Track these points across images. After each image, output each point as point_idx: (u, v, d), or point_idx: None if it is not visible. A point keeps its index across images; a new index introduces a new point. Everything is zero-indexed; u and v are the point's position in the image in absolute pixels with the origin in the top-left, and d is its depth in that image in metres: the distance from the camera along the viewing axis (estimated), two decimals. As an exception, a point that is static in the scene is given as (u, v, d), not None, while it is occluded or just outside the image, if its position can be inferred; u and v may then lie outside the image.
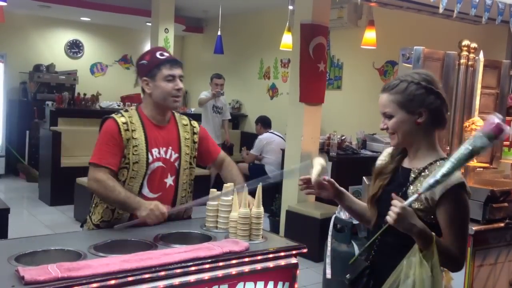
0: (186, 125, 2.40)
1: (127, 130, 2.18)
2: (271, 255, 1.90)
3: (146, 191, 2.20)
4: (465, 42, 3.37)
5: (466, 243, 1.66)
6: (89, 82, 9.09)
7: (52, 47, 9.01)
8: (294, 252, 1.96)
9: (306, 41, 4.69)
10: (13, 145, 8.06)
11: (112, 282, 1.53)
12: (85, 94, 7.79)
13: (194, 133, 2.41)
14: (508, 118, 3.78)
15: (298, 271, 1.96)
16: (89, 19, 8.81)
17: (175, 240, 1.97)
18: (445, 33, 5.17)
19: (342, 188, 1.88)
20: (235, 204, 2.05)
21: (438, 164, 1.67)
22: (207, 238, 2.01)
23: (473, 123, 3.28)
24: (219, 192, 2.15)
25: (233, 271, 1.79)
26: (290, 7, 5.81)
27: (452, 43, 3.44)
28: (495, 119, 1.53)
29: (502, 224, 2.87)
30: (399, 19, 5.74)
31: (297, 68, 4.85)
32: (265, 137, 6.48)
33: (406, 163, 1.78)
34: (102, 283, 1.51)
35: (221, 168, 2.50)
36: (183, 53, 10.38)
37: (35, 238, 2.02)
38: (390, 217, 1.54)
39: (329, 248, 3.62)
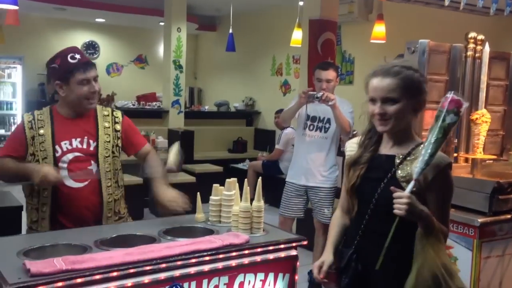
0: (107, 115, 2.39)
1: (31, 128, 2.23)
2: (271, 247, 1.94)
3: (70, 182, 2.21)
4: (472, 34, 3.35)
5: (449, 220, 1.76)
6: (105, 82, 9.23)
7: (68, 49, 9.18)
8: (294, 244, 2.00)
9: (315, 37, 4.71)
10: (33, 146, 8.25)
11: (114, 274, 1.60)
12: (101, 94, 7.93)
13: (115, 123, 2.39)
14: (518, 109, 3.75)
15: (298, 263, 2.00)
16: (104, 20, 8.96)
17: (179, 234, 2.02)
18: (455, 25, 5.12)
19: (328, 254, 1.90)
20: (237, 198, 2.10)
21: (420, 148, 1.71)
22: (209, 232, 2.06)
23: (482, 115, 3.27)
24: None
25: (233, 263, 1.84)
26: (300, 3, 5.82)
27: (462, 35, 3.42)
28: (452, 95, 1.62)
29: (509, 216, 2.85)
30: (410, 12, 5.71)
31: (306, 64, 4.87)
32: (290, 131, 5.99)
33: (385, 150, 1.81)
34: (105, 275, 1.58)
35: (144, 161, 2.47)
36: (196, 51, 10.47)
37: (44, 234, 2.11)
38: (399, 209, 1.58)
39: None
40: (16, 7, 3.55)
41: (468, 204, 2.89)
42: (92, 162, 2.27)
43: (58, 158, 2.22)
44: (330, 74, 3.67)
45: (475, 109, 3.29)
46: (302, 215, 3.91)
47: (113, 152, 2.34)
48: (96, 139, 2.30)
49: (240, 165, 7.11)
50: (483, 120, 3.26)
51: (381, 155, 1.81)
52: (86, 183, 2.24)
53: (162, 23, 7.88)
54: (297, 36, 5.71)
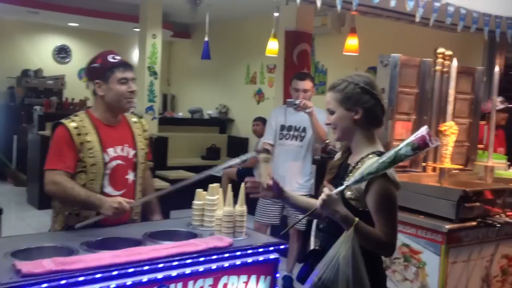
0: (136, 122, 2.48)
1: (79, 134, 2.23)
2: (253, 251, 2.02)
3: (109, 190, 2.27)
4: (440, 50, 3.54)
5: (394, 230, 1.78)
6: (77, 87, 9.15)
7: (40, 52, 9.07)
8: (274, 248, 2.09)
9: (290, 48, 4.84)
10: (1, 150, 8.09)
11: (103, 275, 1.64)
12: (73, 99, 7.86)
13: (144, 130, 2.49)
14: (482, 122, 3.96)
15: (279, 266, 2.09)
16: (77, 25, 8.88)
17: (163, 237, 2.07)
18: (424, 40, 5.35)
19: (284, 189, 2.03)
20: (220, 203, 2.17)
21: (370, 157, 1.82)
22: (193, 236, 2.12)
23: (450, 127, 3.44)
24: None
25: (217, 265, 1.91)
26: (276, 14, 5.95)
27: (432, 49, 3.60)
28: (424, 131, 1.68)
29: (474, 223, 3.00)
30: (381, 26, 5.91)
31: (282, 73, 4.99)
32: None
33: (349, 159, 1.94)
34: (94, 276, 1.62)
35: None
36: (171, 58, 10.48)
37: (29, 236, 2.14)
38: (318, 202, 1.71)
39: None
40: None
41: (436, 211, 3.03)
42: (129, 171, 2.33)
43: (105, 165, 2.25)
44: (307, 84, 3.83)
45: (443, 121, 3.46)
46: (277, 222, 4.00)
47: (144, 159, 2.42)
48: (135, 147, 2.36)
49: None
50: (451, 131, 3.43)
51: (345, 163, 1.94)
52: (123, 191, 2.29)
53: (136, 29, 7.88)
54: (273, 46, 5.82)
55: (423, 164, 3.58)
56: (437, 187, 3.22)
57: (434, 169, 3.53)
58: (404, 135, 3.48)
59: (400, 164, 3.75)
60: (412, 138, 1.70)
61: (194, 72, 9.69)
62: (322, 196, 1.69)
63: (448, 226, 2.89)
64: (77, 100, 7.95)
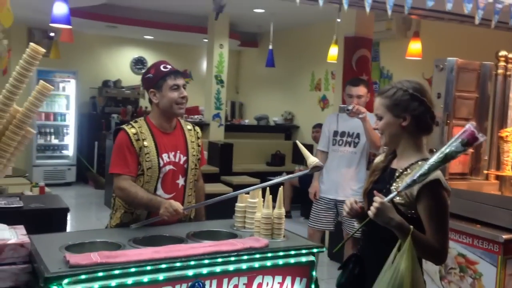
0: (191, 130, 2.61)
1: (138, 140, 2.40)
2: (289, 252, 2.07)
3: (160, 192, 2.42)
4: (502, 53, 3.39)
5: (446, 236, 1.76)
6: (152, 96, 9.62)
7: (118, 64, 9.69)
8: (311, 250, 2.13)
9: (349, 54, 4.82)
10: (83, 155, 8.74)
11: (143, 268, 1.78)
12: (146, 107, 8.31)
13: (197, 138, 2.62)
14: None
15: (314, 270, 2.12)
16: (152, 37, 9.39)
17: (205, 237, 2.19)
18: (491, 42, 5.10)
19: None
20: (259, 205, 2.25)
21: (419, 163, 1.80)
22: (233, 236, 2.22)
23: (511, 133, 3.29)
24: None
25: (253, 265, 1.98)
26: (338, 20, 5.94)
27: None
28: (471, 127, 1.66)
29: (535, 234, 2.84)
30: (448, 29, 5.72)
31: (341, 79, 4.98)
32: None
33: (394, 164, 1.93)
34: (134, 269, 1.76)
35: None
36: (239, 67, 10.74)
37: (86, 232, 2.33)
38: (371, 211, 1.70)
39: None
40: (69, 26, 3.87)
41: (493, 220, 2.91)
42: (180, 176, 2.49)
43: (159, 169, 2.43)
44: (361, 90, 3.76)
45: (505, 127, 3.31)
46: (332, 228, 3.99)
47: (195, 165, 2.57)
48: (187, 154, 2.52)
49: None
50: (514, 137, 3.27)
51: (390, 168, 1.93)
52: (173, 194, 2.45)
53: (206, 40, 8.20)
54: (334, 52, 5.83)
55: (485, 172, 3.43)
56: (494, 195, 3.09)
57: (496, 177, 3.38)
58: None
59: (460, 171, 3.63)
60: (460, 135, 1.68)
61: (261, 80, 9.87)
62: (375, 204, 1.69)
63: (505, 236, 2.77)
64: (150, 109, 8.39)
